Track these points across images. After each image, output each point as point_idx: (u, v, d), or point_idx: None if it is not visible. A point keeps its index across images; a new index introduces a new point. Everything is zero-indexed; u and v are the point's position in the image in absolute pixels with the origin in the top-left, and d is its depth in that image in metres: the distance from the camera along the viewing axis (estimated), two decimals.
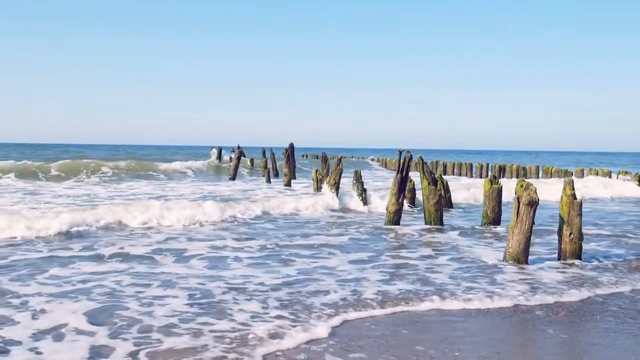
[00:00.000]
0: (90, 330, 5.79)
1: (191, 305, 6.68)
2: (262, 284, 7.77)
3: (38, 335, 5.61)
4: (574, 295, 7.47)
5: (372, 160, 60.12)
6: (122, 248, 10.12)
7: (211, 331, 5.78)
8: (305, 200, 16.59)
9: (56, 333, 5.70)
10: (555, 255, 9.68)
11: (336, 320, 6.20)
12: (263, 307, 6.63)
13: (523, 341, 5.81)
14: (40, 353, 5.15)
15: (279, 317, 6.28)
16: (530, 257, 9.32)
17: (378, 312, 6.59)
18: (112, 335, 5.64)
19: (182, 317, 6.22)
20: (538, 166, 34.31)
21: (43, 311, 6.36)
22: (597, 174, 30.18)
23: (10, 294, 7.05)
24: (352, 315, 6.44)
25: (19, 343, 5.39)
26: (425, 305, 6.87)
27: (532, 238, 9.42)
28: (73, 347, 5.31)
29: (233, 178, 30.88)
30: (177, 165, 35.77)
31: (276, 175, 32.59)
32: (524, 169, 33.68)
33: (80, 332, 5.74)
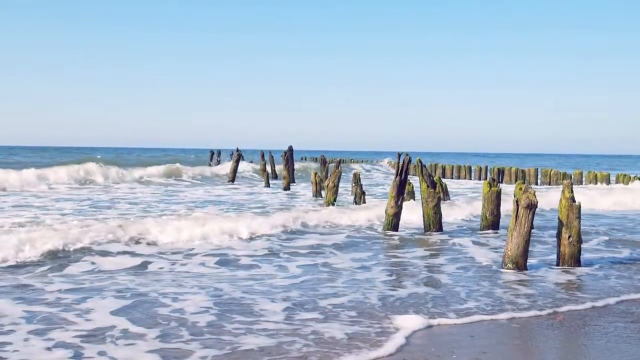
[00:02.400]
0: (140, 332, 5.83)
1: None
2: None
3: (93, 338, 5.63)
4: (572, 299, 7.47)
5: (388, 163, 56.43)
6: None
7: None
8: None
9: (111, 335, 5.74)
10: (554, 258, 9.67)
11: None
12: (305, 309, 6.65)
13: (521, 344, 5.79)
14: (115, 359, 5.16)
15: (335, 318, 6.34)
16: (529, 260, 9.30)
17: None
18: (167, 338, 5.68)
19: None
20: (537, 169, 34.33)
21: (86, 310, 6.50)
22: (595, 177, 30.19)
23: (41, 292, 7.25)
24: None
25: (79, 347, 5.41)
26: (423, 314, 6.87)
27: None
28: (138, 350, 5.35)
29: (232, 181, 30.89)
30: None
31: (274, 177, 32.58)
32: (522, 171, 33.70)
33: (133, 334, 5.77)
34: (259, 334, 5.81)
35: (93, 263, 9.10)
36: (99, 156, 55.13)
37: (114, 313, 6.43)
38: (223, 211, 15.91)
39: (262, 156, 42.05)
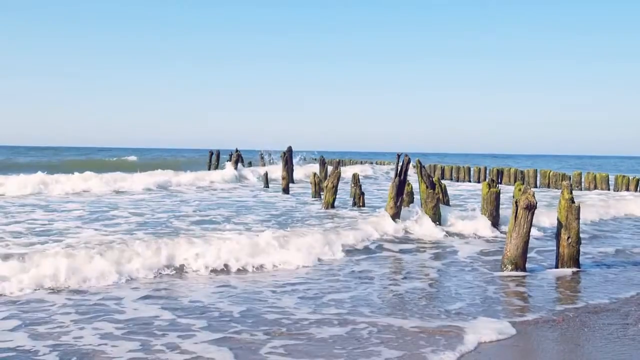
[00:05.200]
0: (189, 322, 6.05)
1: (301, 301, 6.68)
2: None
3: (135, 329, 5.77)
4: (571, 300, 7.45)
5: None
6: None
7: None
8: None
9: (159, 326, 5.93)
10: (553, 259, 9.64)
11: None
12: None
13: (520, 345, 5.77)
14: (192, 353, 5.20)
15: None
16: (528, 260, 9.28)
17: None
18: (218, 328, 5.87)
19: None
20: (536, 170, 34.31)
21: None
22: (595, 178, 30.17)
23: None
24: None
25: (132, 339, 5.53)
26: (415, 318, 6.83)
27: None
28: (202, 340, 5.48)
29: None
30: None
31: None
32: (521, 172, 33.69)
33: (185, 325, 5.97)
34: (311, 323, 6.02)
35: None
36: (133, 158, 54.87)
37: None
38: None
39: (261, 157, 41.99)
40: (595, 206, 17.40)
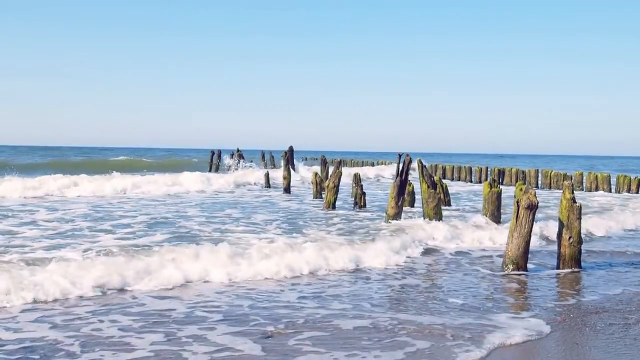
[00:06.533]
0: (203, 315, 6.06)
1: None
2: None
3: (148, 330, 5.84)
4: (571, 300, 7.50)
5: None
6: None
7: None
8: None
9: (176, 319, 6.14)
10: (555, 259, 9.68)
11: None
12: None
13: (520, 345, 5.81)
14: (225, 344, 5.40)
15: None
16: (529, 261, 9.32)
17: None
18: (238, 321, 6.10)
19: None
20: (537, 170, 34.33)
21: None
22: (596, 178, 30.20)
23: None
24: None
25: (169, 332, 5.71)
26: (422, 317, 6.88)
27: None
28: (225, 332, 5.74)
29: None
30: None
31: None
32: (523, 172, 33.71)
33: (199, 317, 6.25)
34: (331, 317, 6.23)
35: None
36: (147, 159, 54.80)
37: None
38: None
39: (263, 156, 42.02)
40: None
